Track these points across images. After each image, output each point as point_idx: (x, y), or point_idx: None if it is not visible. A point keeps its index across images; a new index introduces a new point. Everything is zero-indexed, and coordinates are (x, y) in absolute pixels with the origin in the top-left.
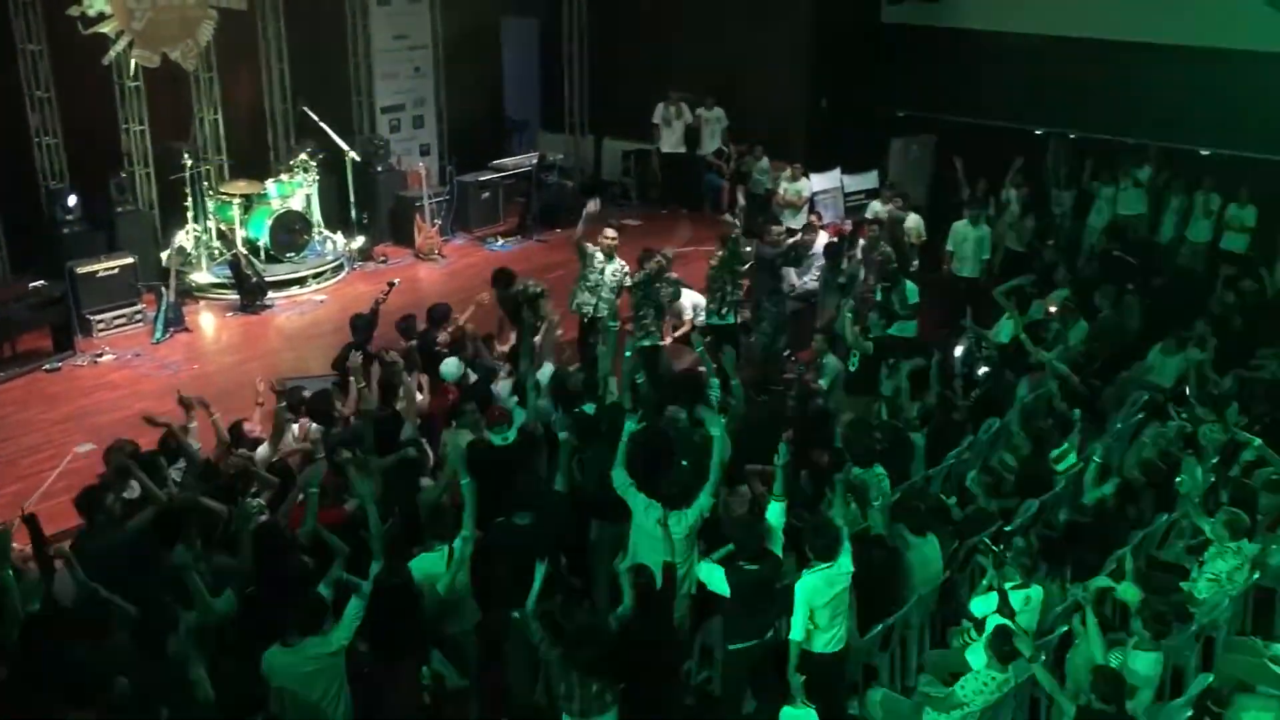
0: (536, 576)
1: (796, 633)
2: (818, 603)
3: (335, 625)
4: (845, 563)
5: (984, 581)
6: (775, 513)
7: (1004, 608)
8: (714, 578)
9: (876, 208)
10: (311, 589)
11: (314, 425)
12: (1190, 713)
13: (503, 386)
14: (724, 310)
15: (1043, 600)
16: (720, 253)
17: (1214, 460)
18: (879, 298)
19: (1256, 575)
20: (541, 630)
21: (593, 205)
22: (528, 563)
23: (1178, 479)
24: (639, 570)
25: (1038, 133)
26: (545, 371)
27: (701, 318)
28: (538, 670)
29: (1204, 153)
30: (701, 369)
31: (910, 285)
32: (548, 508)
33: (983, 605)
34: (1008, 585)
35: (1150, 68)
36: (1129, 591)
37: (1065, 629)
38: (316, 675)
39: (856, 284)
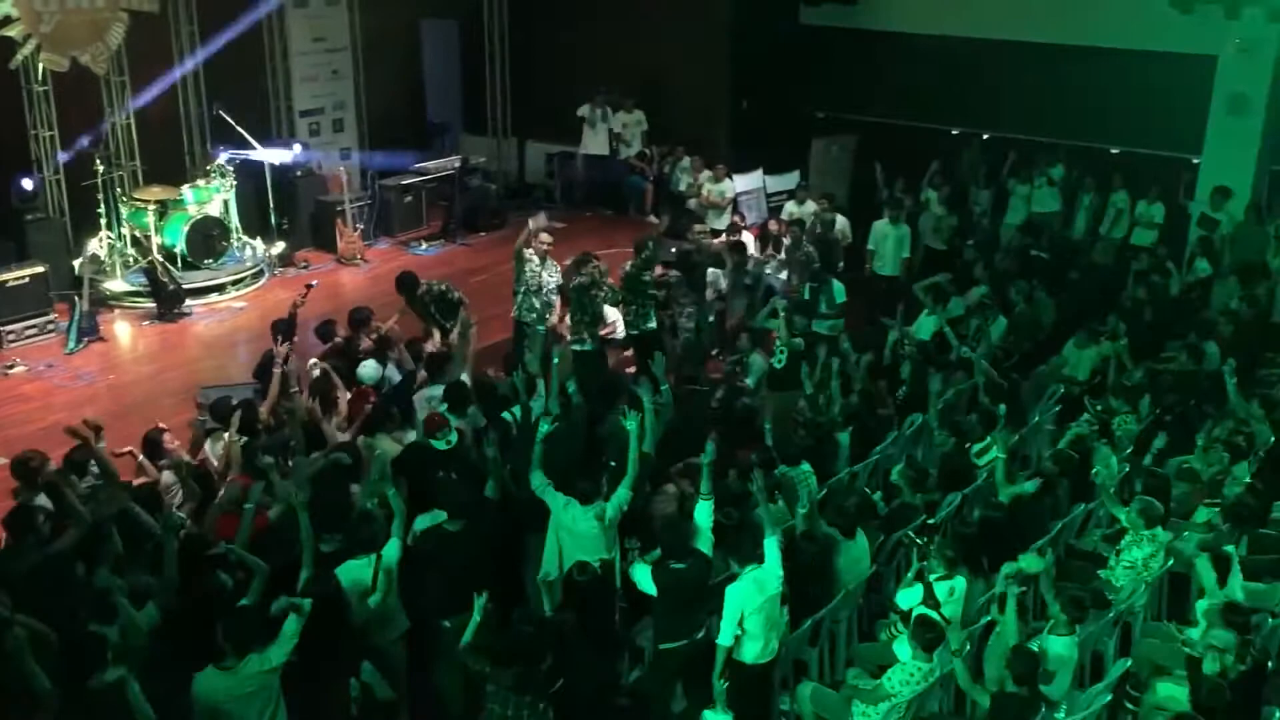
0: (476, 608)
1: (724, 638)
2: (748, 608)
3: (272, 642)
4: (774, 566)
5: (909, 574)
6: (703, 512)
7: (929, 599)
8: (643, 578)
9: (792, 208)
10: (238, 603)
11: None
12: (1109, 697)
13: (430, 392)
14: (643, 317)
15: (966, 591)
16: (636, 260)
17: (1128, 450)
18: (806, 297)
19: (1171, 562)
20: (478, 659)
21: (539, 221)
22: (458, 571)
23: (1093, 470)
24: (582, 568)
25: (954, 132)
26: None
27: (621, 330)
28: (469, 681)
29: (1114, 151)
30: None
31: (838, 285)
32: (478, 514)
33: (908, 598)
34: (932, 577)
35: (1062, 68)
36: (1031, 563)
37: (988, 619)
38: (254, 696)
39: (762, 284)
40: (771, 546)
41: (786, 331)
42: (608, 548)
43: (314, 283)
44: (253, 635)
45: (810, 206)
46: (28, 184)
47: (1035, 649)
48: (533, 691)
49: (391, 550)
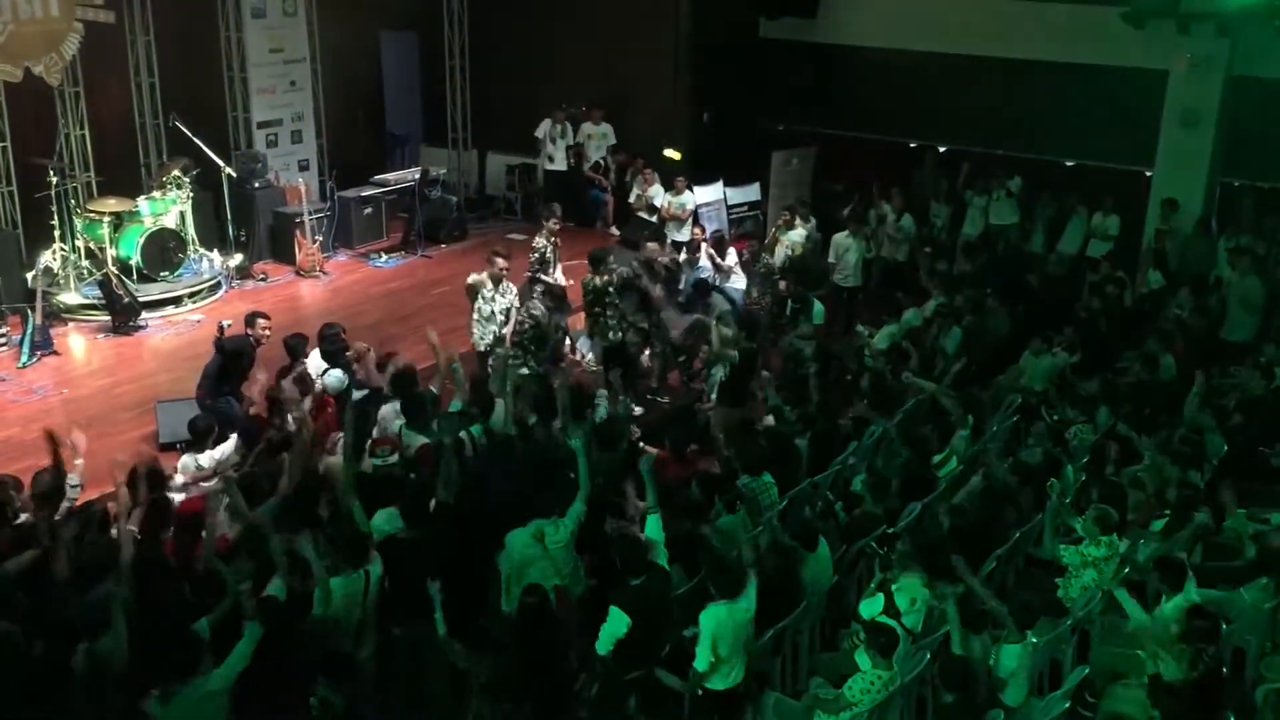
0: (434, 599)
1: (700, 663)
2: (722, 635)
3: (216, 666)
4: (749, 601)
5: (871, 584)
6: (653, 525)
7: (890, 609)
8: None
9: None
10: (190, 624)
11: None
12: (1066, 704)
13: (389, 409)
14: (610, 328)
15: (927, 601)
16: (596, 278)
17: (1084, 459)
18: (788, 318)
19: (1126, 570)
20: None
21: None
22: (413, 578)
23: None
24: (531, 590)
25: (912, 145)
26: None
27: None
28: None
29: (1068, 164)
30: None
31: (818, 306)
32: (434, 524)
33: (870, 607)
34: (894, 587)
35: (1018, 82)
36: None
37: (948, 629)
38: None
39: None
40: (752, 587)
41: (719, 345)
42: (567, 563)
43: (228, 322)
44: (193, 661)
45: (812, 222)
46: None
47: (990, 659)
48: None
49: (376, 568)
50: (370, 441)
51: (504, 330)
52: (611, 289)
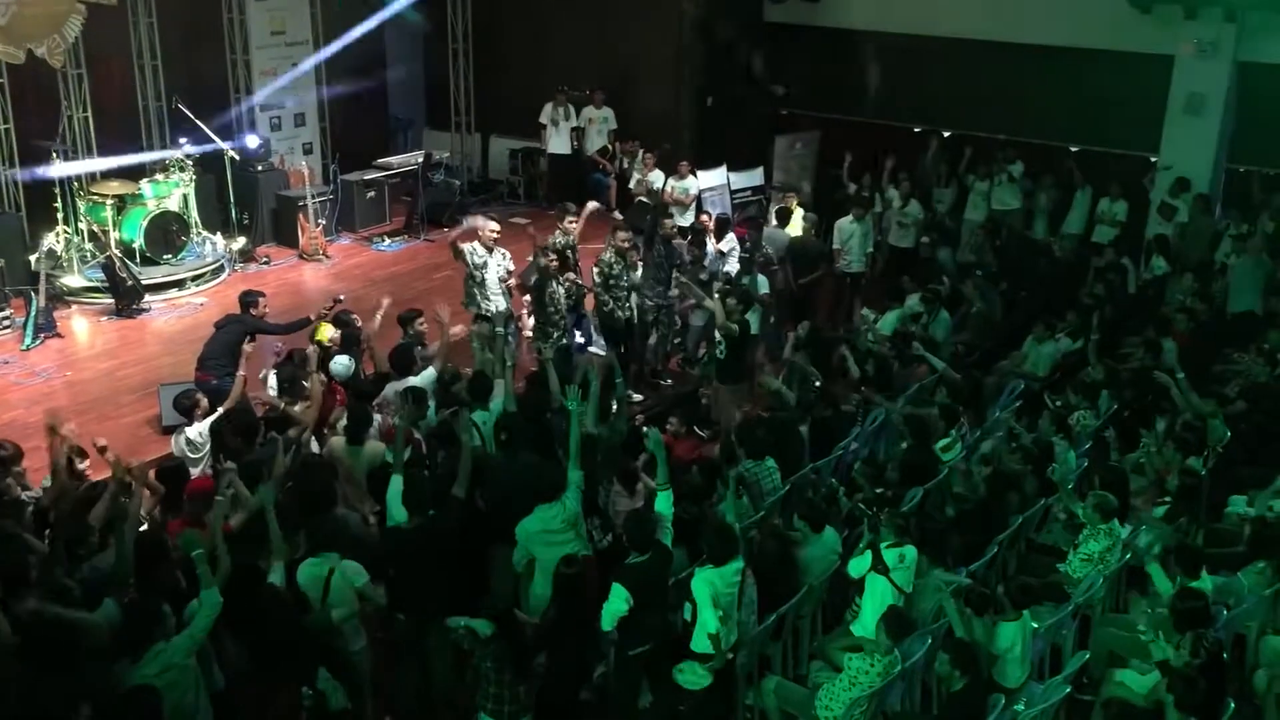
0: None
1: (711, 625)
2: (717, 594)
3: (178, 633)
4: (737, 562)
5: (861, 544)
6: (664, 502)
7: (878, 565)
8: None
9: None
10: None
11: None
12: (1068, 689)
13: (391, 390)
14: (619, 306)
15: (917, 562)
16: (609, 256)
17: (1087, 445)
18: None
19: (1128, 556)
20: (468, 637)
21: (475, 220)
22: (416, 569)
23: (1049, 466)
24: (569, 560)
25: (916, 130)
26: (428, 375)
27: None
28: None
29: (1073, 149)
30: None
31: (761, 278)
32: (439, 512)
33: (859, 565)
34: (883, 544)
35: (1023, 67)
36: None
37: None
38: (170, 687)
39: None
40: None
41: (721, 319)
42: (576, 542)
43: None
44: (149, 628)
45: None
46: None
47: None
48: (518, 673)
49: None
50: (384, 435)
51: (493, 300)
52: (617, 268)
